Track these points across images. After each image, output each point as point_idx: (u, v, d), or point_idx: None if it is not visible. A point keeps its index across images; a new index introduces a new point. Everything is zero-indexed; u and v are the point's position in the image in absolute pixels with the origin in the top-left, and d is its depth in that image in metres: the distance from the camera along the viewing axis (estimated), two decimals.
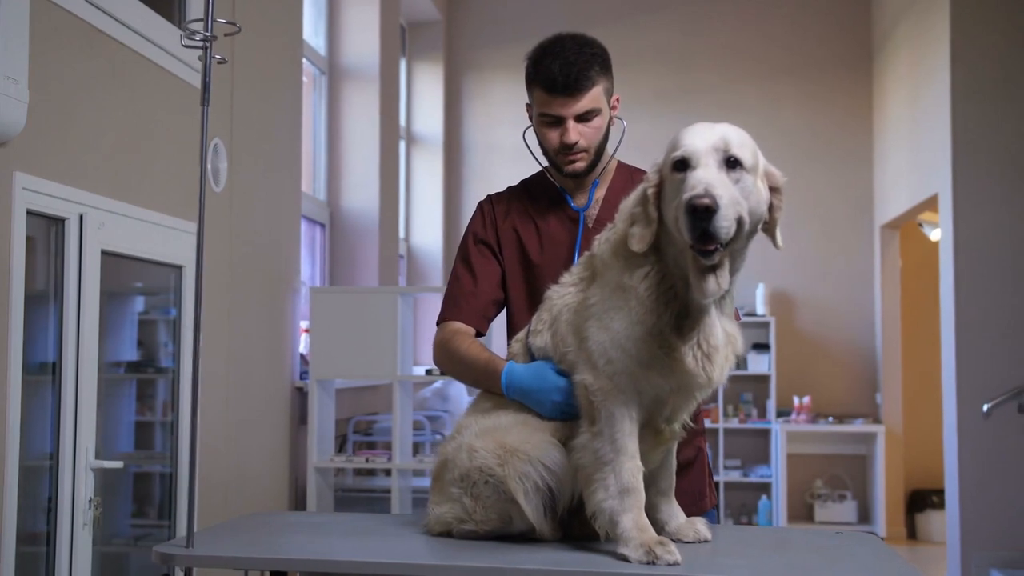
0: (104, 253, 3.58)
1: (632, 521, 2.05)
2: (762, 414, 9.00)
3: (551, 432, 2.20)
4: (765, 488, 8.89)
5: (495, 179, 9.43)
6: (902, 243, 9.05)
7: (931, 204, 7.61)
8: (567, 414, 2.19)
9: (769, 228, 2.08)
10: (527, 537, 2.19)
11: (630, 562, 2.00)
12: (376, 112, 7.31)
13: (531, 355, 2.31)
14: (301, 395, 5.85)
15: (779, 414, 8.83)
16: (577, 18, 9.39)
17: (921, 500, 9.00)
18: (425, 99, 9.39)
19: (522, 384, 2.26)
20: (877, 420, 8.87)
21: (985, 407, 6.58)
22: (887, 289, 8.87)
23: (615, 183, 2.61)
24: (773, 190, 2.06)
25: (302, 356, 6.04)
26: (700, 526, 2.27)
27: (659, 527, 2.19)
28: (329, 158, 7.30)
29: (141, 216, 3.86)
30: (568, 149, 2.50)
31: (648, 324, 2.03)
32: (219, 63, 2.26)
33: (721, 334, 2.08)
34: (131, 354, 4.54)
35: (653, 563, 1.99)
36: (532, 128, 2.62)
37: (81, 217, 3.44)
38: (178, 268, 4.18)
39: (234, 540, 2.29)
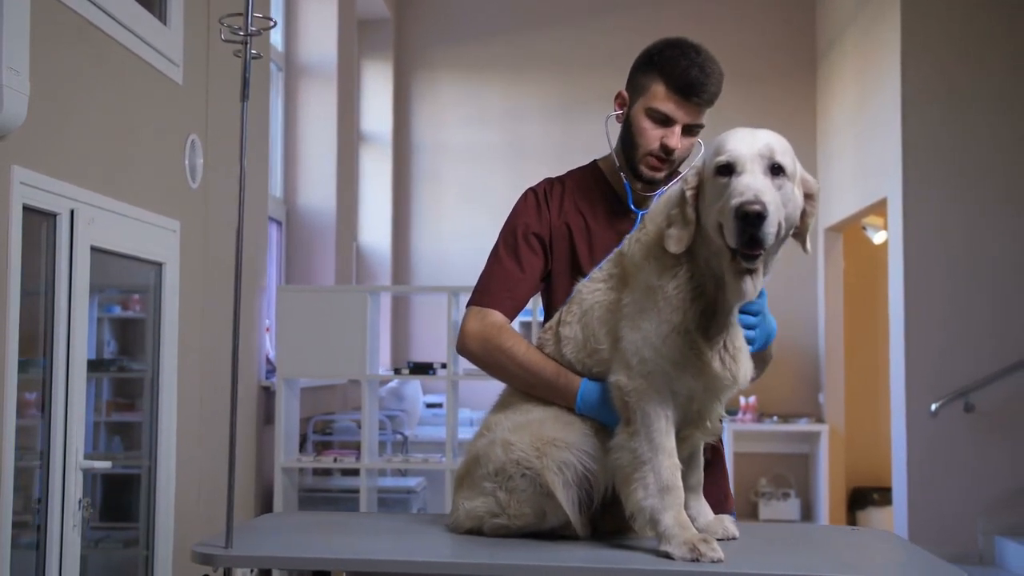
0: (93, 249, 3.52)
1: (674, 519, 2.08)
2: None
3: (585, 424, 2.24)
4: None
5: (444, 178, 9.44)
6: (845, 246, 9.22)
7: (877, 208, 7.77)
8: None
9: (800, 233, 2.12)
10: (558, 534, 2.21)
11: (674, 560, 2.02)
12: (334, 109, 7.27)
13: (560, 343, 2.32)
14: (267, 394, 5.79)
15: (726, 413, 8.93)
16: (528, 19, 9.42)
17: (862, 498, 9.17)
18: (374, 98, 9.33)
19: (599, 402, 2.23)
20: (820, 420, 9.02)
21: (933, 407, 6.76)
22: (830, 291, 9.02)
23: None
24: (807, 196, 2.11)
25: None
26: (728, 523, 2.30)
27: None
28: (285, 155, 7.23)
29: (127, 212, 3.80)
30: (665, 152, 2.45)
31: (675, 323, 2.06)
32: (254, 58, 2.24)
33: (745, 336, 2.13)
34: (90, 352, 4.46)
35: (697, 560, 2.01)
36: (614, 117, 2.57)
37: (72, 212, 3.38)
38: (158, 265, 4.12)
39: (266, 540, 2.27)
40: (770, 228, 1.92)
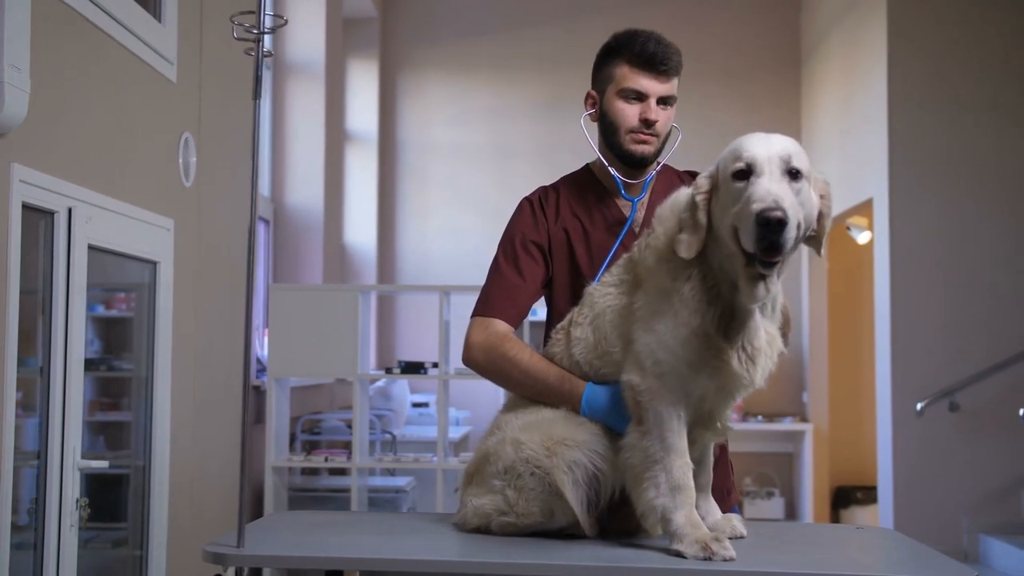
0: (89, 248, 3.50)
1: (685, 518, 2.09)
2: None
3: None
4: None
5: (430, 177, 9.43)
6: (829, 246, 9.22)
7: (862, 208, 7.81)
8: None
9: (816, 236, 2.12)
10: (565, 534, 2.21)
11: (685, 559, 2.03)
12: (321, 108, 7.25)
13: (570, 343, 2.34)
14: (257, 393, 5.77)
15: None
16: (512, 18, 9.42)
17: (846, 496, 9.21)
18: (360, 96, 9.30)
19: (604, 405, 2.25)
20: (804, 419, 9.06)
21: (919, 406, 6.80)
22: (814, 291, 9.06)
23: (659, 184, 2.63)
24: (820, 196, 2.11)
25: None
26: (736, 522, 2.31)
27: None
28: (273, 154, 7.21)
29: (123, 211, 3.78)
30: (647, 126, 2.51)
31: (694, 326, 2.07)
32: (267, 56, 2.23)
33: (764, 336, 2.13)
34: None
35: (709, 559, 2.02)
36: (589, 115, 2.62)
37: (70, 211, 3.35)
38: (153, 264, 4.10)
39: (278, 540, 2.26)
40: (790, 234, 1.92)
